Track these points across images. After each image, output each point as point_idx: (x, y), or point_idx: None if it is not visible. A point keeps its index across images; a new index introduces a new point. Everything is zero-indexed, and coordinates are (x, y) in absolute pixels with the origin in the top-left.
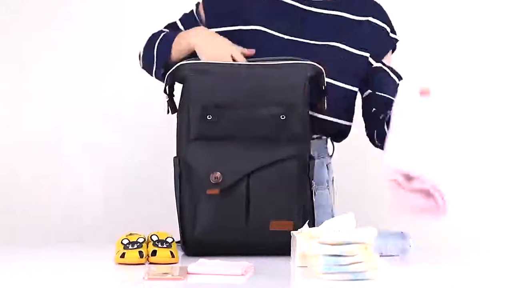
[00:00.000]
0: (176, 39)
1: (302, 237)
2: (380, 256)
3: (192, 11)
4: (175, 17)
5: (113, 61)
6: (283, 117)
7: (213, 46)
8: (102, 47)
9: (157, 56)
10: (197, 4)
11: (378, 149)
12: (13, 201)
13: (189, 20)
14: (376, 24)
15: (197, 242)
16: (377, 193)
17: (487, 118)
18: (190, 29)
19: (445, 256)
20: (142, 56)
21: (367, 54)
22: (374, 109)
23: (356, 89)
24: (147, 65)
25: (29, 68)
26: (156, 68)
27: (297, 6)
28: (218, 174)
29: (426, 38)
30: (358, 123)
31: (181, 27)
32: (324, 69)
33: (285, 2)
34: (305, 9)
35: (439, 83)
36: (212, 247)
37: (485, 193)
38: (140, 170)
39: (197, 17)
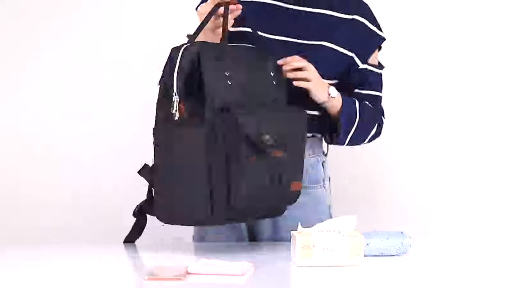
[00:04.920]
0: None
1: (301, 237)
2: (380, 256)
3: None
4: (177, 18)
5: (114, 61)
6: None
7: None
8: (103, 47)
9: None
10: None
11: (380, 150)
12: (12, 201)
13: None
14: (363, 23)
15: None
16: (378, 194)
17: (487, 117)
18: None
19: (445, 255)
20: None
21: (353, 54)
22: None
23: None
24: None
25: (29, 68)
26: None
27: (284, 7)
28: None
29: (425, 38)
30: None
31: None
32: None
33: (272, 4)
34: (292, 9)
35: (438, 83)
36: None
37: (485, 192)
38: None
39: None
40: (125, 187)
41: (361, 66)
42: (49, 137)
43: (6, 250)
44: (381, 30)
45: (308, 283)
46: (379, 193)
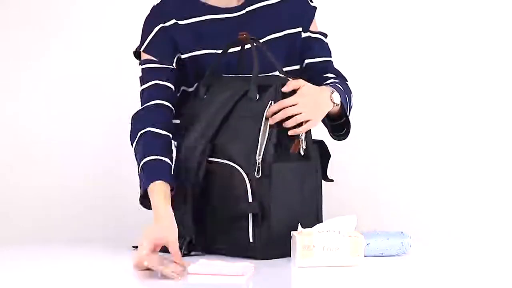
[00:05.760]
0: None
1: (302, 237)
2: (380, 256)
3: (146, 66)
4: None
5: (114, 61)
6: None
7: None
8: (102, 48)
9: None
10: (143, 59)
11: (380, 149)
12: (12, 201)
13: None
14: None
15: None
16: (378, 194)
17: (487, 118)
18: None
19: (445, 255)
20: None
21: (300, 29)
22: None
23: (298, 67)
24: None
25: (29, 68)
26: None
27: (223, 18)
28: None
29: (422, 40)
30: (360, 123)
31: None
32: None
33: (211, 19)
34: (231, 17)
35: (438, 83)
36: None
37: (485, 193)
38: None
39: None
40: (125, 187)
41: (304, 35)
42: (49, 137)
43: (6, 250)
44: (312, 1)
45: (308, 283)
46: (379, 193)
